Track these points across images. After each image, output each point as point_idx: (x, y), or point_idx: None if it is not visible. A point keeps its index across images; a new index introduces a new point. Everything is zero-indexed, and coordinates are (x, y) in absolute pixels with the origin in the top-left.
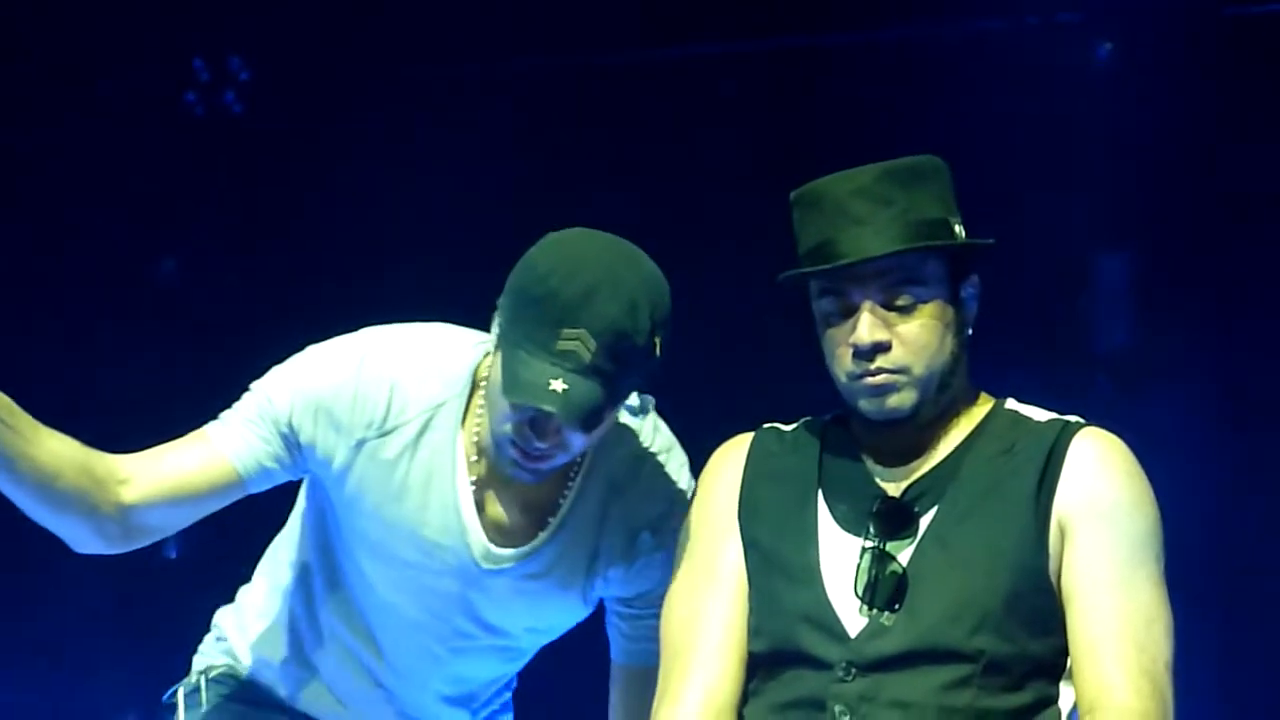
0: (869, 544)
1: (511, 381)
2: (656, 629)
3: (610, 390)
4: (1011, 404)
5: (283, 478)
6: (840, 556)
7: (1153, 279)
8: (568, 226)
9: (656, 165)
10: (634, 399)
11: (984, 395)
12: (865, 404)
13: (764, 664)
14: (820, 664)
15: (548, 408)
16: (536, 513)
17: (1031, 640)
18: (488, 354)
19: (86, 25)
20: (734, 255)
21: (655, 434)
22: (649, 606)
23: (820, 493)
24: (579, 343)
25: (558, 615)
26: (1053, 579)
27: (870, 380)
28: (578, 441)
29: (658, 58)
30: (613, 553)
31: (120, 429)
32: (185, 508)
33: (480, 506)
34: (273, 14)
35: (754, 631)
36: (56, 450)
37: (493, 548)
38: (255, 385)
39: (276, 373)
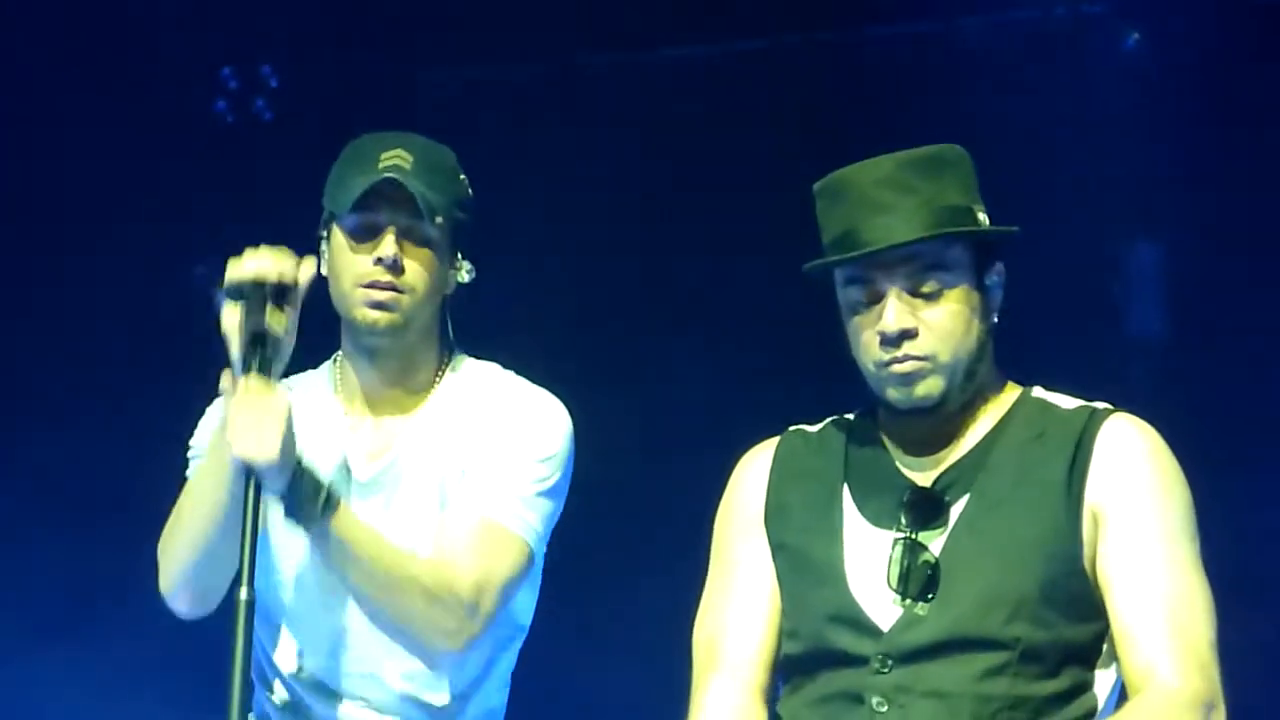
0: (900, 535)
1: (346, 193)
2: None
3: (436, 195)
4: (1039, 391)
5: None
6: (866, 551)
7: (1183, 265)
8: (601, 230)
9: (680, 160)
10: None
11: (1011, 384)
12: (893, 392)
13: (801, 665)
14: (855, 660)
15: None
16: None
17: (1067, 626)
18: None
19: (117, 35)
20: (761, 250)
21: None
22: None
23: (846, 489)
24: (398, 159)
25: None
26: (1086, 565)
27: (898, 368)
28: (418, 277)
29: (684, 55)
30: (478, 439)
31: (157, 433)
32: None
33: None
34: (301, 21)
35: (789, 634)
36: None
37: (368, 461)
38: (194, 444)
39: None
